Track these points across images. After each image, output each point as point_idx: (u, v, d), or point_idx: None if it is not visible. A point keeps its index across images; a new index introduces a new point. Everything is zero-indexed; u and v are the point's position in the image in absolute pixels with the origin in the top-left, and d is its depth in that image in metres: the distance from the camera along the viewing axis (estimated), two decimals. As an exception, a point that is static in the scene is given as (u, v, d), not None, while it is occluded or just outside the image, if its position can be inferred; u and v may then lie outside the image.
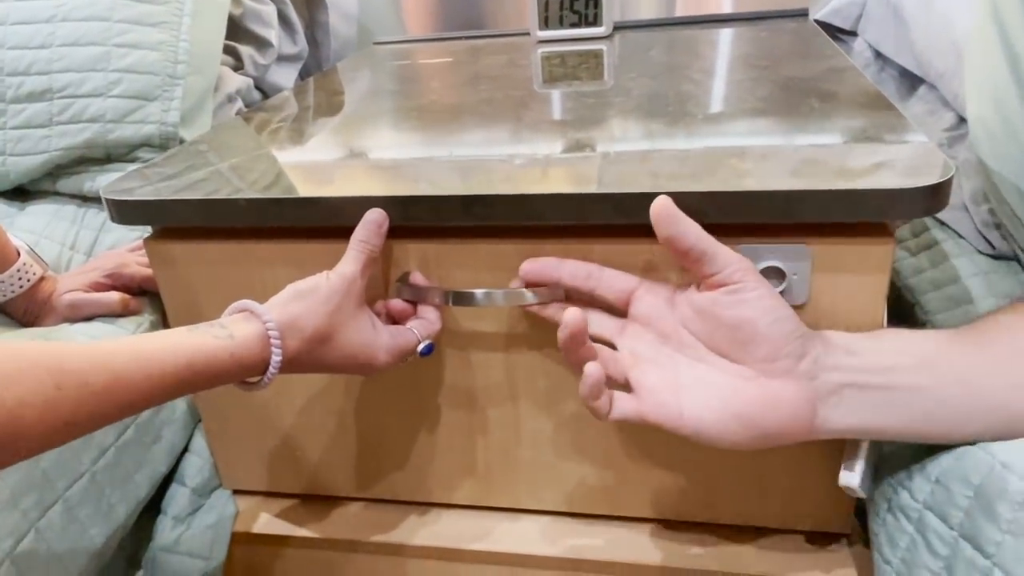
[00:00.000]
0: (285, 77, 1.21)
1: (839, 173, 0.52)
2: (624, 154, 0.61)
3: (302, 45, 1.23)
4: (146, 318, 0.74)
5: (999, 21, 0.59)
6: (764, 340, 0.46)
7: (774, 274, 0.52)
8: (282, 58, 1.20)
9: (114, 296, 0.72)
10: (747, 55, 0.94)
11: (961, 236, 0.73)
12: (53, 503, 0.57)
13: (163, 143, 0.87)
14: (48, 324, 0.71)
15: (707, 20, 1.19)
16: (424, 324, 0.57)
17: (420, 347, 0.57)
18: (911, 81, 0.98)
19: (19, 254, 0.70)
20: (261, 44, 1.14)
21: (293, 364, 0.49)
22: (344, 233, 0.56)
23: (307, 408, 0.68)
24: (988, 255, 0.69)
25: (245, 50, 1.13)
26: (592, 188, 0.54)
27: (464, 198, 0.56)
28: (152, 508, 0.70)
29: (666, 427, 0.49)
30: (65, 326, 0.69)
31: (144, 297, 0.75)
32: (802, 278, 0.52)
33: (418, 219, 0.57)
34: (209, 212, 0.60)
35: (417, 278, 0.59)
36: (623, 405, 0.50)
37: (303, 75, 1.27)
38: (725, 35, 1.07)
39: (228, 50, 1.09)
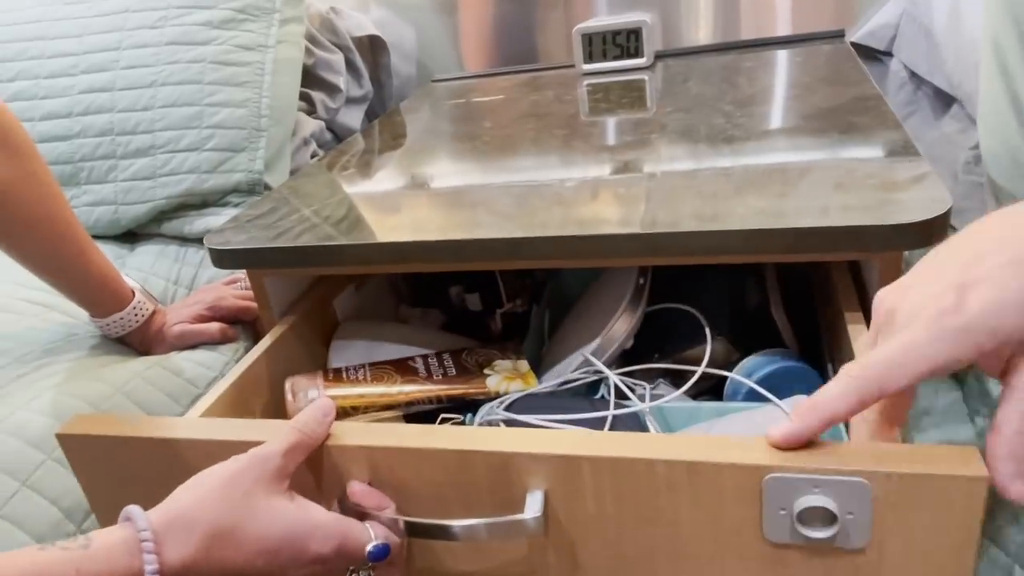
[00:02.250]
0: (353, 118, 1.32)
1: (851, 210, 0.58)
2: (669, 175, 0.68)
3: (367, 87, 1.34)
4: (241, 344, 0.85)
5: (1001, 61, 0.63)
6: None
7: (819, 516, 0.39)
8: (350, 100, 1.31)
9: (215, 327, 0.83)
10: (778, 84, 0.99)
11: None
12: None
13: (250, 188, 0.99)
14: (159, 353, 0.82)
15: (746, 45, 1.24)
16: (379, 525, 0.46)
17: (370, 546, 0.44)
18: (945, 100, 1.02)
19: (134, 294, 0.81)
20: (331, 90, 1.25)
21: (188, 573, 0.39)
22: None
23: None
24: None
25: (317, 96, 1.24)
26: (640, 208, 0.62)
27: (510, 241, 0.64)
28: None
29: None
30: (175, 354, 0.81)
31: (239, 326, 0.86)
32: (861, 518, 0.39)
33: (473, 258, 0.66)
34: (292, 256, 0.70)
35: (358, 493, 0.46)
36: None
37: (369, 114, 1.38)
38: (761, 61, 1.12)
39: (302, 96, 1.21)
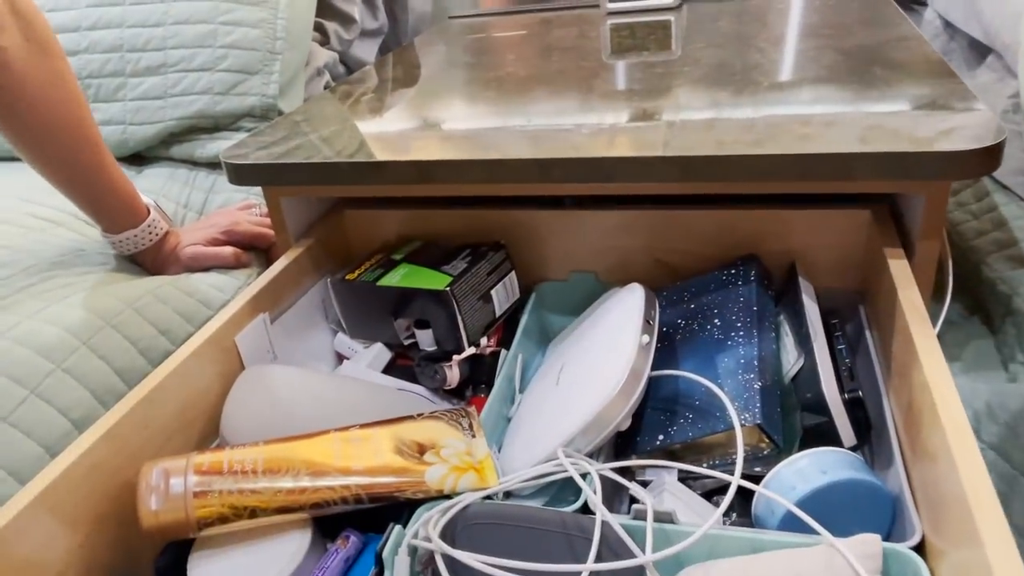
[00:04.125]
0: (367, 51, 1.28)
1: (899, 137, 0.56)
2: (690, 122, 0.66)
3: (382, 20, 1.30)
4: (254, 270, 0.83)
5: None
6: None
7: None
8: (364, 33, 1.27)
9: (228, 251, 0.80)
10: (814, 24, 0.96)
11: (1022, 199, 0.75)
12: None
13: (264, 114, 0.96)
14: (172, 273, 0.80)
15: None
16: None
17: None
18: (980, 50, 0.99)
19: (149, 212, 0.79)
20: (345, 20, 1.21)
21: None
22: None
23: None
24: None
25: (331, 26, 1.20)
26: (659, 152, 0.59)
27: (541, 161, 0.61)
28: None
29: None
30: (187, 275, 0.78)
31: (252, 253, 0.84)
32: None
33: (502, 179, 0.63)
34: (313, 174, 0.68)
35: None
36: None
37: (383, 50, 1.34)
38: (795, 4, 1.09)
39: (316, 26, 1.17)
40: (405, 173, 0.66)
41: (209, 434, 0.60)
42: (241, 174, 0.70)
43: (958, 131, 0.56)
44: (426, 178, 0.65)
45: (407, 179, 0.66)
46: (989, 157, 0.53)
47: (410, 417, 0.58)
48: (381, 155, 0.66)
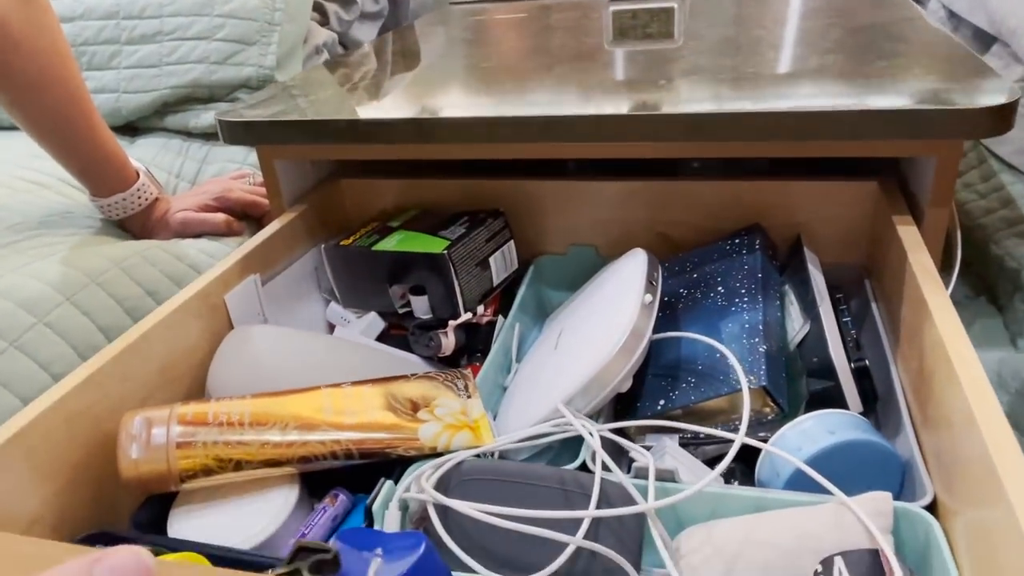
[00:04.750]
0: (366, 34, 1.27)
1: (910, 95, 0.54)
2: (695, 86, 0.64)
3: (383, 3, 1.29)
4: (246, 239, 0.81)
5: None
6: None
7: None
8: (364, 15, 1.26)
9: (220, 217, 0.78)
10: (819, 9, 0.95)
11: (1029, 179, 0.74)
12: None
13: (260, 84, 0.94)
14: (162, 239, 0.78)
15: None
16: None
17: None
18: (984, 40, 0.98)
19: (138, 175, 0.77)
20: (346, 1, 1.20)
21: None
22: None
23: None
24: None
25: (331, 7, 1.19)
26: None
27: (543, 119, 0.60)
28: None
29: None
30: (177, 240, 0.77)
31: (245, 222, 0.82)
32: None
33: (506, 138, 0.61)
34: (309, 132, 0.66)
35: None
36: None
37: (383, 33, 1.33)
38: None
39: (315, 7, 1.16)
40: (404, 132, 0.64)
41: (195, 393, 0.58)
42: (235, 133, 0.69)
43: (970, 91, 0.54)
44: (426, 137, 0.63)
45: (406, 138, 0.64)
46: (1002, 116, 0.52)
47: (404, 377, 0.56)
48: (379, 114, 0.65)
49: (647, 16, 1.04)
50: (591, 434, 0.48)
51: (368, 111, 0.66)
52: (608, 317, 0.55)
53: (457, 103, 0.67)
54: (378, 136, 0.65)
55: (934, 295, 0.48)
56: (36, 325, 0.59)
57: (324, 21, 1.19)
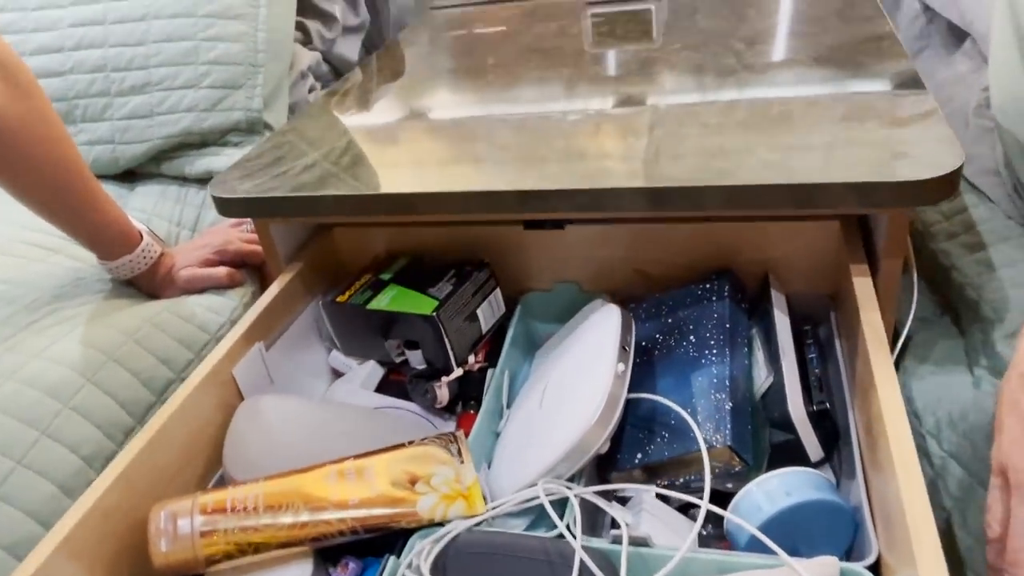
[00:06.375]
0: (350, 48, 1.28)
1: (860, 165, 0.58)
2: (661, 149, 0.67)
3: (364, 16, 1.29)
4: (248, 288, 0.85)
5: (1015, 13, 0.62)
6: None
7: None
8: (346, 29, 1.27)
9: (223, 271, 0.83)
10: (790, 19, 0.97)
11: (992, 200, 0.77)
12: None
13: (250, 127, 0.97)
14: (168, 296, 0.82)
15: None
16: None
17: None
18: (957, 35, 0.99)
19: (142, 236, 0.81)
20: (327, 19, 1.21)
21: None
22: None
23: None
24: (1019, 220, 0.74)
25: (312, 25, 1.20)
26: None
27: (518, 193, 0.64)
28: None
29: None
30: (184, 298, 0.81)
31: (245, 270, 0.86)
32: None
33: (481, 210, 0.65)
34: (297, 206, 0.70)
35: None
36: None
37: (366, 44, 1.34)
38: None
39: (297, 26, 1.17)
40: (388, 205, 0.68)
41: (213, 464, 0.64)
42: (229, 207, 0.73)
43: (917, 157, 0.57)
44: (409, 210, 0.67)
45: (391, 210, 0.68)
46: (947, 184, 0.55)
47: (402, 445, 0.61)
48: (365, 188, 0.68)
49: (626, 20, 1.06)
50: (568, 502, 0.54)
51: (354, 181, 0.70)
52: (585, 384, 0.60)
53: (438, 168, 0.70)
54: (363, 209, 0.68)
55: (880, 366, 0.52)
56: (63, 411, 0.64)
57: (307, 40, 1.21)
